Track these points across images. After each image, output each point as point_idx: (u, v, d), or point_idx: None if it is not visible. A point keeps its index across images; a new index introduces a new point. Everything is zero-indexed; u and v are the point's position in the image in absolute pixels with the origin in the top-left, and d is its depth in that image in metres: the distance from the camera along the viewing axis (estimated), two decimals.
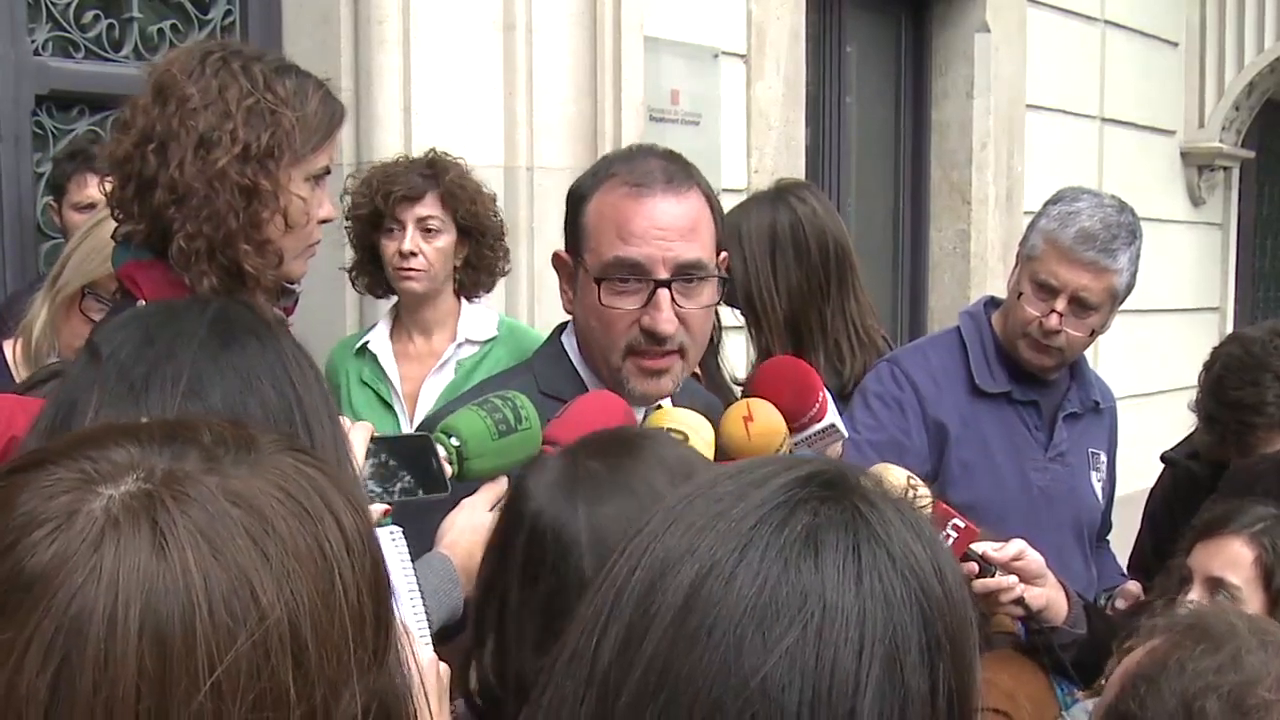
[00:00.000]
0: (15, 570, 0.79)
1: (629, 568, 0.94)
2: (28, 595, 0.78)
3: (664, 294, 2.04)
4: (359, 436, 1.73)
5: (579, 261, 2.11)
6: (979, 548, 2.19)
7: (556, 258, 2.17)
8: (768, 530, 0.91)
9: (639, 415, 2.09)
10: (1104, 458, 3.13)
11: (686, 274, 2.06)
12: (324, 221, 2.07)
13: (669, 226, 2.05)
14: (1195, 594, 2.36)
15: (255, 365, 1.31)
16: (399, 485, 1.76)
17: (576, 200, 2.13)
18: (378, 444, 1.76)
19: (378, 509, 1.73)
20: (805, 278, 3.16)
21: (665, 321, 2.04)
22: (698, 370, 2.60)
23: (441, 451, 1.81)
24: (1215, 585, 2.35)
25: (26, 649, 0.77)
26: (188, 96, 1.91)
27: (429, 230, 3.25)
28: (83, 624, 0.77)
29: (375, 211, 3.25)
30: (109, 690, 0.76)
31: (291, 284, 2.07)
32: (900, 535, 0.93)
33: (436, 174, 3.26)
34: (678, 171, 2.11)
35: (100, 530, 0.80)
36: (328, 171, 2.05)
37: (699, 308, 2.09)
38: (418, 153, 3.40)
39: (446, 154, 3.33)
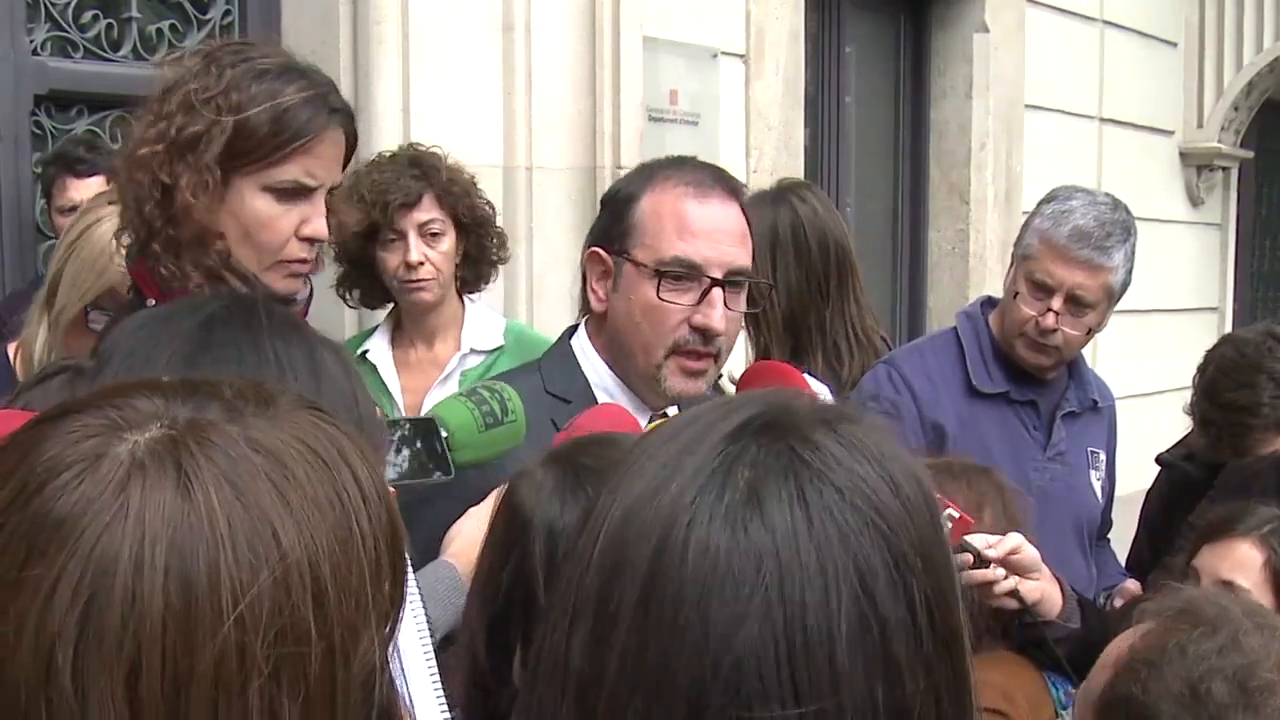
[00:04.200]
0: (43, 511, 0.81)
1: (581, 567, 0.92)
2: (56, 535, 0.80)
3: (717, 292, 2.10)
4: None
5: (624, 258, 2.12)
6: (977, 541, 2.19)
7: (593, 255, 2.17)
8: (709, 500, 0.89)
9: (644, 424, 2.09)
10: (1103, 456, 3.13)
11: (735, 278, 2.13)
12: (312, 240, 1.96)
13: (727, 230, 2.12)
14: None
15: (233, 373, 1.29)
16: (403, 467, 1.75)
17: (623, 199, 2.17)
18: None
19: None
20: (805, 278, 3.16)
21: (719, 318, 2.09)
22: None
23: None
24: (1224, 588, 2.34)
25: (55, 587, 0.79)
26: (165, 89, 1.89)
27: (432, 235, 3.03)
28: (109, 563, 0.80)
29: (372, 224, 2.99)
30: (136, 625, 0.79)
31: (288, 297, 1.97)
32: (845, 464, 0.91)
33: (426, 172, 3.04)
34: (729, 180, 2.19)
35: (126, 473, 0.82)
36: (303, 186, 1.92)
37: (740, 312, 2.16)
38: None
39: (418, 145, 3.14)
